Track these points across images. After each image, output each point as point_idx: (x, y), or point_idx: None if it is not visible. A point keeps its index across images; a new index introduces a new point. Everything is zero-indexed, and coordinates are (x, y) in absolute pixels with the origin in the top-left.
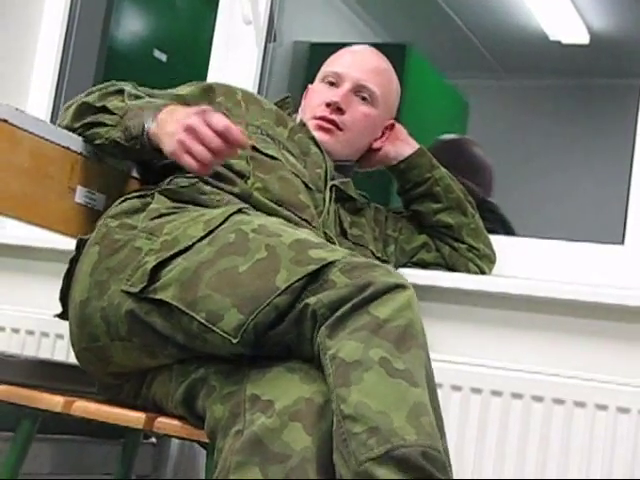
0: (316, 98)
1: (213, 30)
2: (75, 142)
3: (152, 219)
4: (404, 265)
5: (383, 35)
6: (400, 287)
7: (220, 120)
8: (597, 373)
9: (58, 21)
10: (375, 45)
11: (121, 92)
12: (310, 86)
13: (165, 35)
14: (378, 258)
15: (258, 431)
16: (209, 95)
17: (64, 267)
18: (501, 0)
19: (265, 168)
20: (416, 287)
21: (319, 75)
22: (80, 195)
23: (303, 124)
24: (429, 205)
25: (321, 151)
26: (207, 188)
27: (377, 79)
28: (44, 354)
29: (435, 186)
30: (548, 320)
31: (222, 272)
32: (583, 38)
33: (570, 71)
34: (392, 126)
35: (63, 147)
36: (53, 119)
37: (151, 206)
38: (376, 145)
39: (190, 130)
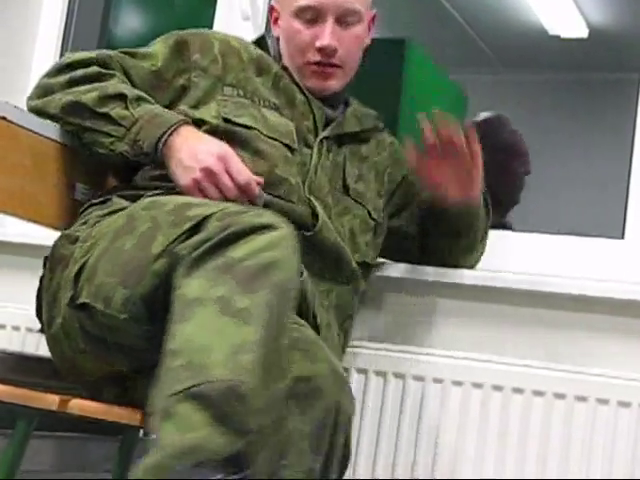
0: (298, 40)
1: (212, 26)
2: (74, 139)
3: (92, 226)
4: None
5: (382, 30)
6: (267, 227)
7: (241, 172)
8: (600, 367)
9: (57, 17)
10: (374, 40)
11: (123, 97)
12: (280, 20)
13: (164, 31)
14: (374, 220)
15: None
16: (184, 54)
17: None
18: None
19: (239, 143)
20: (417, 283)
21: (289, 7)
22: (79, 192)
23: (285, 68)
24: (448, 240)
25: (307, 99)
26: (168, 184)
27: None
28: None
29: (469, 232)
30: (550, 315)
31: (112, 255)
32: (582, 32)
33: (569, 65)
34: (374, 16)
35: (62, 144)
36: None
37: (92, 214)
38: (365, 44)
39: (209, 173)
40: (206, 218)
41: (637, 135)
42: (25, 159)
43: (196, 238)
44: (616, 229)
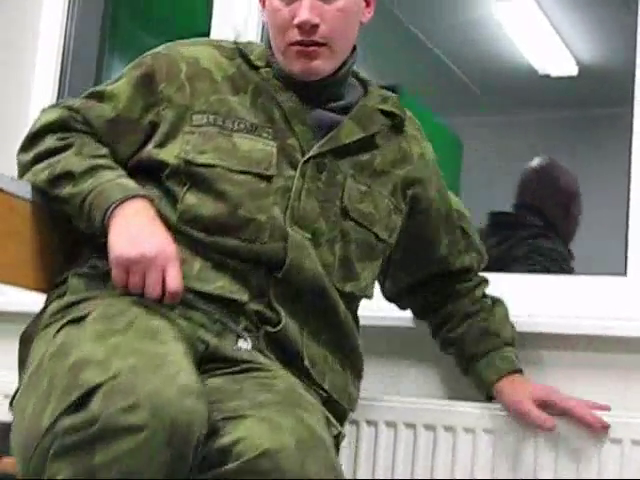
0: (278, 19)
1: None
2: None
3: (43, 328)
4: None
5: (373, 78)
6: (133, 430)
7: (174, 281)
8: None
9: (49, 88)
10: None
11: (71, 176)
12: (266, 3)
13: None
14: (382, 240)
15: None
16: (150, 86)
17: None
18: (488, 38)
19: (200, 184)
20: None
21: None
22: None
23: (267, 78)
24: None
25: (286, 117)
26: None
27: None
28: None
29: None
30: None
31: (18, 418)
32: (572, 70)
33: (561, 103)
34: None
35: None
36: None
37: (50, 304)
38: (364, 19)
39: (144, 265)
40: (94, 389)
41: (633, 169)
42: (25, 228)
43: (77, 418)
44: (618, 266)
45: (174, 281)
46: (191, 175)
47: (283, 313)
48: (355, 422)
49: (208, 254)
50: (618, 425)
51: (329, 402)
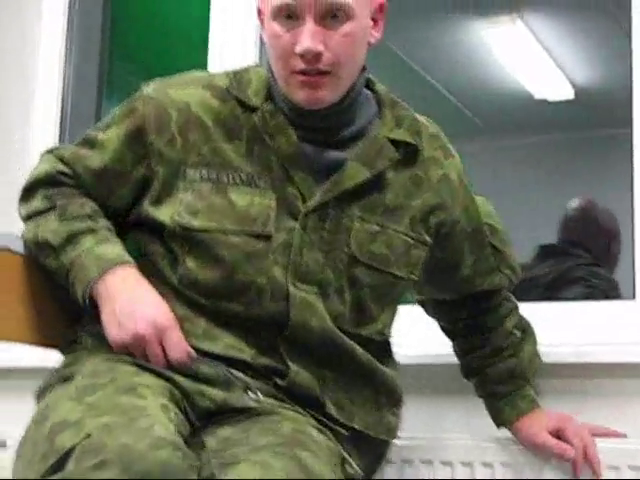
0: (279, 46)
1: None
2: None
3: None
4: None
5: None
6: None
7: (175, 348)
8: None
9: (49, 139)
10: None
11: (51, 247)
12: (265, 24)
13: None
14: (402, 279)
15: None
16: (141, 136)
17: None
18: (482, 65)
19: (195, 249)
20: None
21: (268, 7)
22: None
23: (264, 119)
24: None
25: (283, 166)
26: None
27: None
28: None
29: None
30: None
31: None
32: (568, 94)
33: (559, 127)
34: (381, 6)
35: None
36: None
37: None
38: (373, 40)
39: (141, 340)
40: (69, 452)
41: (636, 190)
42: (33, 285)
43: None
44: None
45: (175, 349)
46: (188, 239)
47: (293, 366)
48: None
49: (212, 314)
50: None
51: (362, 438)
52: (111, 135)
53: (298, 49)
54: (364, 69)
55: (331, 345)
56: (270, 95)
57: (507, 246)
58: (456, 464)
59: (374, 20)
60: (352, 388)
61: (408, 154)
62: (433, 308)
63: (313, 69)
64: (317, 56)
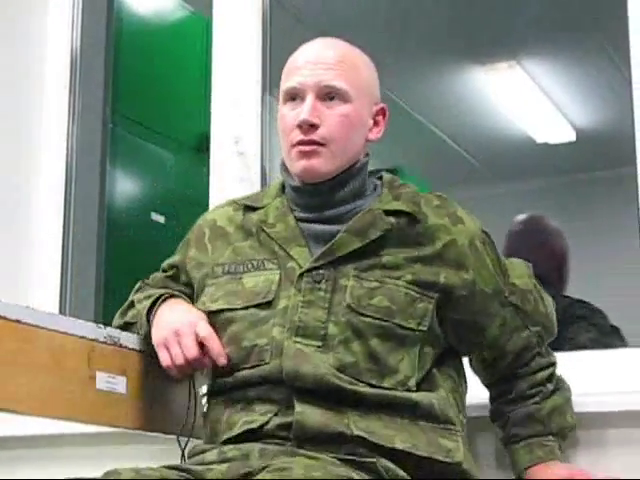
0: (286, 124)
1: (207, 188)
2: (89, 329)
3: None
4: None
5: (373, 162)
6: None
7: (204, 330)
8: None
9: (55, 202)
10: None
11: (132, 303)
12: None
13: (161, 197)
14: (410, 330)
15: None
16: (187, 253)
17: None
18: (484, 111)
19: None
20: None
21: (281, 95)
22: (101, 381)
23: (261, 227)
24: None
25: (281, 246)
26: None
27: (338, 72)
28: None
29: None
30: None
31: None
32: (569, 136)
33: (561, 170)
34: (383, 110)
35: (78, 337)
36: (62, 298)
37: None
38: (372, 137)
39: (177, 333)
40: None
41: None
42: (43, 358)
43: None
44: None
45: (202, 331)
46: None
47: (297, 407)
48: None
49: (232, 397)
50: None
51: (412, 459)
52: (174, 259)
53: (296, 120)
54: (367, 156)
55: (335, 391)
56: (282, 190)
57: (530, 304)
58: None
59: (375, 121)
60: (381, 417)
61: (409, 222)
62: (471, 364)
63: (308, 140)
64: (313, 128)
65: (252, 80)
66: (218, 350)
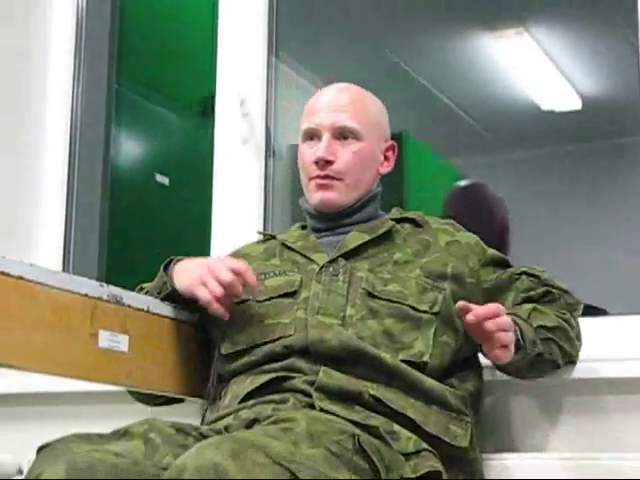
0: (305, 160)
1: (212, 150)
2: (92, 287)
3: None
4: None
5: None
6: None
7: (235, 262)
8: None
9: (60, 162)
10: None
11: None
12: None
13: (165, 159)
14: (423, 312)
15: None
16: None
17: (83, 409)
18: (491, 78)
19: (244, 314)
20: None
21: (300, 135)
22: (103, 339)
23: (284, 245)
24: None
25: (302, 254)
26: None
27: (351, 114)
28: None
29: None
30: None
31: None
32: (575, 104)
33: (567, 138)
34: (392, 147)
35: (81, 294)
36: (65, 257)
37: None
38: (383, 170)
39: (210, 269)
40: None
41: None
42: (46, 315)
43: None
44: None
45: (234, 263)
46: (236, 313)
47: (321, 370)
48: None
49: (256, 372)
50: None
51: (420, 433)
52: None
53: (313, 157)
54: (379, 186)
55: (358, 356)
56: (302, 228)
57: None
58: None
59: (386, 157)
60: (397, 392)
61: (414, 227)
62: None
63: (324, 174)
64: (328, 163)
65: (258, 41)
66: (251, 278)
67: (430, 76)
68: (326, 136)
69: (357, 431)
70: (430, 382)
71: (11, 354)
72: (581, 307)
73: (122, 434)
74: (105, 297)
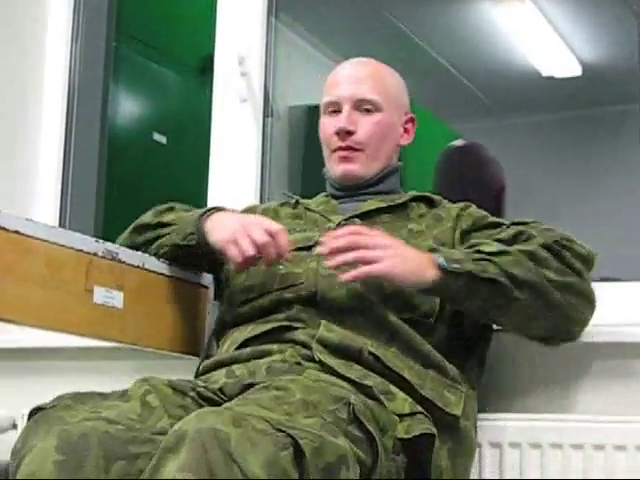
0: (326, 132)
1: (210, 110)
2: (88, 243)
3: None
4: None
5: None
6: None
7: (274, 225)
8: None
9: (57, 119)
10: None
11: (172, 208)
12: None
13: (163, 117)
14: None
15: None
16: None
17: (76, 365)
18: (490, 43)
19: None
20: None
21: (321, 108)
22: (98, 295)
23: (307, 208)
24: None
25: (321, 215)
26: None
27: (370, 86)
28: None
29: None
30: None
31: None
32: (575, 71)
33: (567, 104)
34: (412, 119)
35: (76, 250)
36: (62, 213)
37: None
38: (403, 142)
39: (246, 228)
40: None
41: None
42: (42, 270)
43: None
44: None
45: (272, 226)
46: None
47: (323, 322)
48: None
49: (259, 321)
50: None
51: (415, 396)
52: None
53: (334, 128)
54: (399, 160)
55: (363, 308)
56: (327, 195)
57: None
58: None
59: (405, 129)
60: (397, 353)
61: (428, 204)
62: None
63: (346, 145)
64: (349, 134)
65: (258, 1)
66: (284, 242)
67: (430, 40)
68: (346, 107)
69: (352, 398)
70: (429, 347)
71: (6, 308)
72: (577, 245)
73: (120, 395)
74: (100, 253)
